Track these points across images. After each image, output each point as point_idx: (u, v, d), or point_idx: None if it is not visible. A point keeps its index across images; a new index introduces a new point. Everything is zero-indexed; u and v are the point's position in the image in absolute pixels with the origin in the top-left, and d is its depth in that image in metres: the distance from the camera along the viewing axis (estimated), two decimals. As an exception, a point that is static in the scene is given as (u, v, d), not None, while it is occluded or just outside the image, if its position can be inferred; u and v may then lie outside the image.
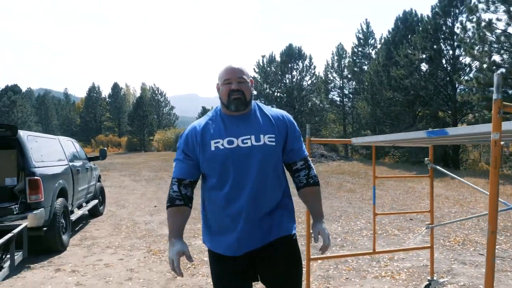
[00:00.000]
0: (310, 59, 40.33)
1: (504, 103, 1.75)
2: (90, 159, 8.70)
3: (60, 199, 5.84)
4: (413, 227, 7.07)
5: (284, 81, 41.13)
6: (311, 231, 2.06)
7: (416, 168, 19.21)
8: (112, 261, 5.24)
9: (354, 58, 38.39)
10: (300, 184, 2.07)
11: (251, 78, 2.05)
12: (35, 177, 5.14)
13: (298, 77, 40.68)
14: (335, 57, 39.60)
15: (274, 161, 1.98)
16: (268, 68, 41.16)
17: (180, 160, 2.01)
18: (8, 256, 3.52)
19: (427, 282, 3.93)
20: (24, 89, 73.43)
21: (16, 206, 4.96)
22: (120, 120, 63.72)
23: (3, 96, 60.67)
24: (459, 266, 4.91)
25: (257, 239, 1.95)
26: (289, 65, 40.53)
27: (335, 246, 5.88)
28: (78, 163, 7.38)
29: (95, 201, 8.36)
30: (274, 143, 1.95)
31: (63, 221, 5.85)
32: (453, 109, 21.78)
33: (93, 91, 66.13)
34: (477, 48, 16.28)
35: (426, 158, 3.99)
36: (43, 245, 5.50)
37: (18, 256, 3.98)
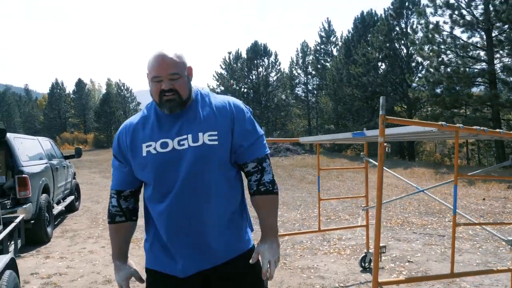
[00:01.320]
0: (276, 55, 41.40)
1: (386, 116, 2.59)
2: (66, 158, 9.21)
3: (44, 195, 6.40)
4: (362, 212, 8.05)
5: (251, 77, 41.96)
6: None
7: (374, 160, 20.48)
8: (95, 249, 5.89)
9: (317, 55, 39.72)
10: (251, 191, 1.68)
11: (189, 66, 1.63)
12: (24, 175, 5.70)
13: (264, 73, 41.63)
14: (300, 54, 40.83)
15: (218, 165, 1.59)
16: (235, 65, 41.87)
17: (115, 168, 1.71)
18: (13, 242, 4.13)
19: (364, 254, 4.83)
20: (-19, 86, 71.03)
21: (8, 201, 5.52)
22: (85, 117, 62.77)
23: (-40, 93, 58.49)
24: (394, 242, 5.87)
25: (205, 259, 1.62)
26: (255, 61, 41.40)
27: (294, 230, 6.73)
28: (56, 162, 7.91)
29: (72, 197, 8.90)
30: (216, 142, 1.56)
31: (47, 214, 6.42)
32: (408, 105, 23.31)
33: (57, 87, 64.64)
34: (426, 47, 17.64)
35: (361, 153, 4.90)
36: (31, 236, 6.07)
37: (18, 243, 4.58)
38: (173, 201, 1.57)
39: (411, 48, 22.93)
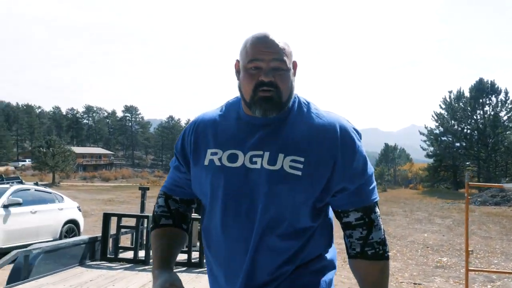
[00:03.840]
0: (506, 93, 37.14)
1: None
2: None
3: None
4: None
5: (475, 117, 38.69)
6: None
7: None
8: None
9: None
10: (351, 252, 1.19)
11: (294, 61, 1.19)
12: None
13: (491, 113, 37.76)
14: (539, 90, 35.51)
15: (294, 204, 1.12)
16: (456, 104, 39.44)
17: (172, 167, 1.35)
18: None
19: None
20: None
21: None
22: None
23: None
24: None
25: None
26: (480, 100, 38.09)
27: (510, 280, 6.66)
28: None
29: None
30: (299, 172, 1.11)
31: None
32: None
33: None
34: None
35: None
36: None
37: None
38: (220, 237, 1.17)
39: None
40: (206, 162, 1.18)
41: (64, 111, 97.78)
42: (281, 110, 1.15)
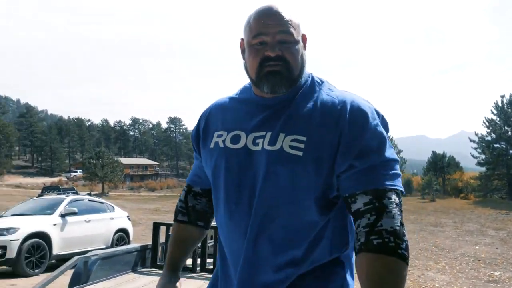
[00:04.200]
0: None
1: None
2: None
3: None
4: None
5: (530, 122, 36.62)
6: None
7: None
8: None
9: None
10: (356, 245, 0.96)
11: (303, 33, 1.09)
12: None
13: (549, 118, 35.62)
14: None
15: (298, 187, 1.01)
16: (509, 109, 37.54)
17: (194, 157, 1.32)
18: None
19: None
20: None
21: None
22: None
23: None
24: None
25: None
26: (536, 105, 36.03)
27: None
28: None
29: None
30: (300, 152, 1.00)
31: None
32: None
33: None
34: None
35: None
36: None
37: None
38: (224, 221, 1.11)
39: None
40: (212, 145, 1.15)
41: (112, 123, 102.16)
42: (291, 85, 1.06)
